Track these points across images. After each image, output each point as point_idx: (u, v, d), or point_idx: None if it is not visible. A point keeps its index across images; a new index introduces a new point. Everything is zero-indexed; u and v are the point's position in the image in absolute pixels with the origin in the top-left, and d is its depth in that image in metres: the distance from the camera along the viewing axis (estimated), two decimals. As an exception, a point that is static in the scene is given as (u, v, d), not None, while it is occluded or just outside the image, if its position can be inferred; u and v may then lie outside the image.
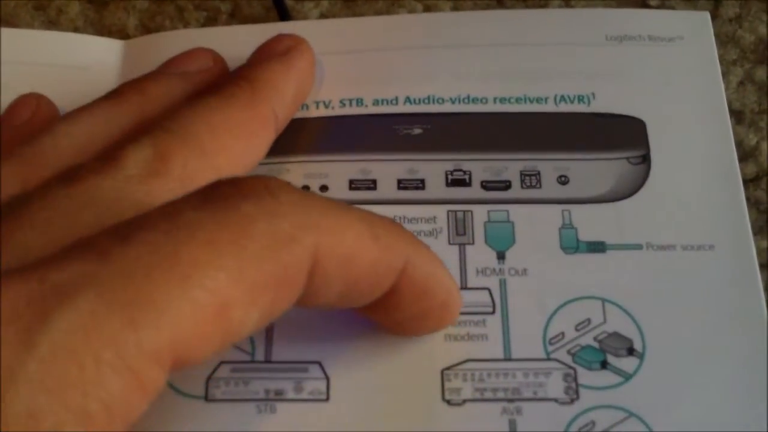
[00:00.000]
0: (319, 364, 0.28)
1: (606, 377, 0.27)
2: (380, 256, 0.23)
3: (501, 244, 0.29)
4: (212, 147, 0.27)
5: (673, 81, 0.32)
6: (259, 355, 0.28)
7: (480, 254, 0.29)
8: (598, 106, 0.32)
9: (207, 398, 0.27)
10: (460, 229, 0.30)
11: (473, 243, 0.29)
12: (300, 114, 0.32)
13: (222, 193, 0.21)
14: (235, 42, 0.33)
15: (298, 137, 0.32)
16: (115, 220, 0.21)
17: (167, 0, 0.36)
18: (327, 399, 0.27)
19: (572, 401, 0.27)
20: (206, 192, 0.21)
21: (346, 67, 0.33)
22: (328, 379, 0.28)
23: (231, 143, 0.28)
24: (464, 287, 0.29)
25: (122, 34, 0.36)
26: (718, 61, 0.32)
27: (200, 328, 0.20)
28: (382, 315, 0.26)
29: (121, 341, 0.18)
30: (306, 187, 0.31)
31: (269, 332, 0.28)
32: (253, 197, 0.21)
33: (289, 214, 0.21)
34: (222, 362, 0.28)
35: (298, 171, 0.31)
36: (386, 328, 0.27)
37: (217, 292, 0.20)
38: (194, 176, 0.26)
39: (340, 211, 0.23)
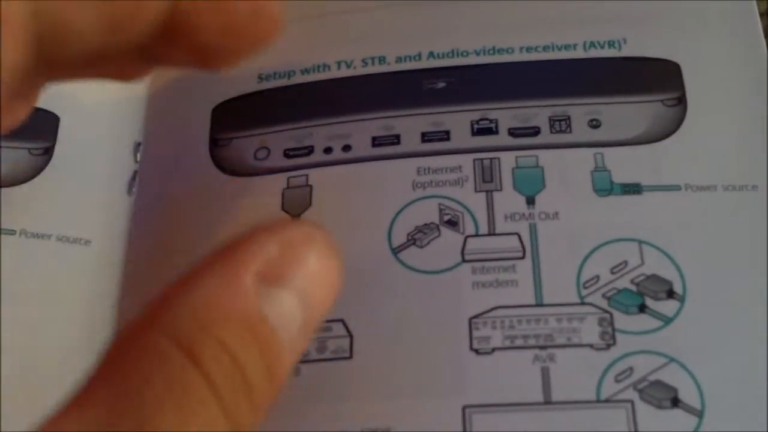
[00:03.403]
0: (342, 321, 0.27)
1: (644, 321, 0.26)
2: None
3: (530, 188, 0.28)
4: None
5: (710, 24, 0.31)
6: (283, 318, 0.27)
7: (508, 200, 0.28)
8: (629, 51, 0.30)
9: (232, 366, 0.27)
10: (487, 176, 0.29)
11: (501, 189, 0.28)
12: (322, 75, 0.31)
13: None
14: None
15: (321, 100, 0.31)
16: None
17: None
18: (350, 356, 0.26)
19: (608, 347, 0.26)
20: None
21: (367, 25, 0.32)
22: (351, 336, 0.27)
23: None
24: (492, 233, 0.28)
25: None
26: (755, 3, 0.31)
27: None
28: (179, 49, 0.22)
29: None
30: (329, 149, 0.30)
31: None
32: None
33: None
34: (248, 330, 0.27)
35: (321, 134, 0.30)
36: (193, 63, 0.23)
37: None
38: None
39: None
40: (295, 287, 0.19)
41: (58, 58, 0.19)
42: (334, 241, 0.20)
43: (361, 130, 0.30)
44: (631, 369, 0.25)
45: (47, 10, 0.18)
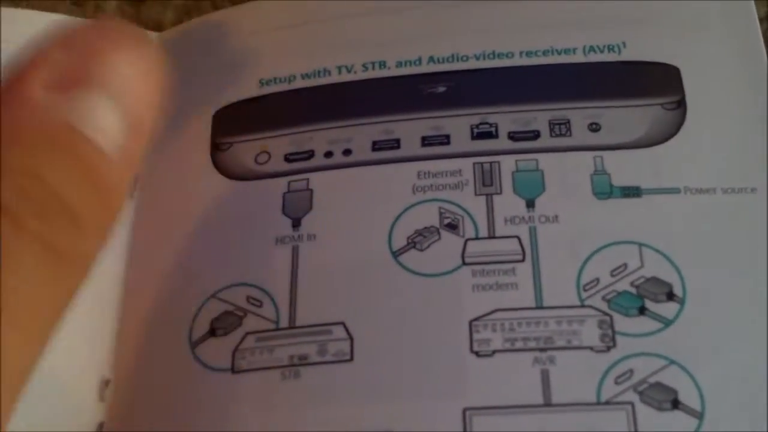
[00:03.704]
0: (343, 324, 0.27)
1: (644, 324, 0.26)
2: None
3: (530, 191, 0.28)
4: None
5: (710, 27, 0.31)
6: (284, 322, 0.27)
7: (508, 203, 0.28)
8: (629, 55, 0.30)
9: (233, 370, 0.27)
10: (487, 180, 0.29)
11: (501, 193, 0.28)
12: (323, 80, 0.31)
13: None
14: (271, 16, 0.33)
15: (322, 104, 0.31)
16: None
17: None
18: (351, 359, 0.26)
19: (609, 349, 0.26)
20: None
21: (367, 29, 0.32)
22: (351, 338, 0.27)
23: None
24: (492, 236, 0.28)
25: (159, 31, 0.36)
26: (754, 4, 0.31)
27: None
28: None
29: None
30: (329, 153, 0.30)
31: (293, 296, 0.28)
32: None
33: None
34: (248, 333, 0.27)
35: (321, 138, 0.30)
36: None
37: None
38: None
39: None
40: (102, 84, 0.16)
41: None
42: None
43: (361, 134, 0.30)
44: (631, 371, 0.25)
45: None
